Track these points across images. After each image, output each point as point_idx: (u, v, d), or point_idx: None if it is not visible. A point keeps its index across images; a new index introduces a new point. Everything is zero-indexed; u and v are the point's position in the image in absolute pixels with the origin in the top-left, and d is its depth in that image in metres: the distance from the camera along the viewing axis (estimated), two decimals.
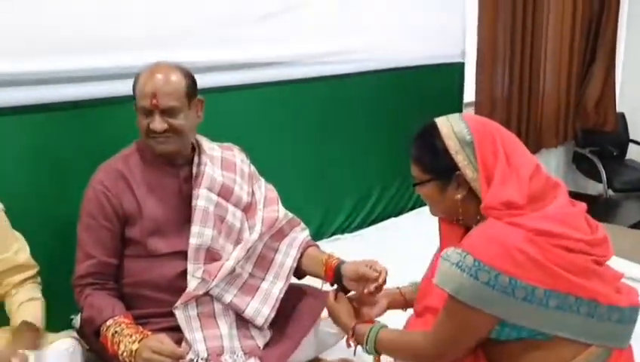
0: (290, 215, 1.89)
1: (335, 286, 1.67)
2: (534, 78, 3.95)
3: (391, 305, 1.65)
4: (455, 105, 3.44)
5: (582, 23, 4.21)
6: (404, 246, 2.50)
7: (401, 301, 1.67)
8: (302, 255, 1.82)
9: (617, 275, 1.35)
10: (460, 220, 1.42)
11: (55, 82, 1.96)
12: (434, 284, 1.32)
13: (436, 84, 3.29)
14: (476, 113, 3.62)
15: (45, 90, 1.94)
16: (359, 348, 1.50)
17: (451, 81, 3.41)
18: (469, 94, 3.60)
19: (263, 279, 1.75)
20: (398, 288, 1.69)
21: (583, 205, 1.38)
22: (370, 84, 2.98)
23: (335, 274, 1.69)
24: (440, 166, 1.37)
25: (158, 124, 1.61)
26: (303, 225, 1.92)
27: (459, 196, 1.36)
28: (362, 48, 2.88)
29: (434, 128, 1.40)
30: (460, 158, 1.34)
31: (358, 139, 2.97)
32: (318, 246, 1.88)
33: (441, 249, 1.49)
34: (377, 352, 1.47)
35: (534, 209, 1.29)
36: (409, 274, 2.16)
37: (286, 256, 1.80)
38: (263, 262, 1.77)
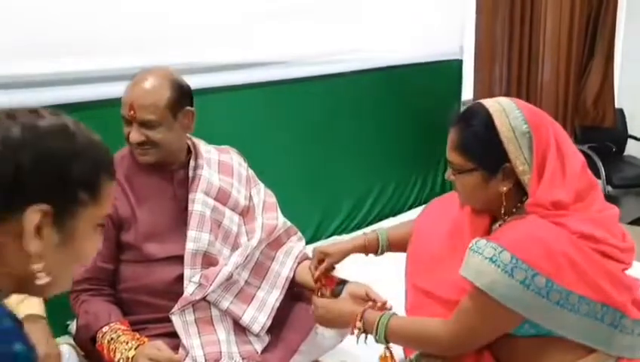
0: (289, 223, 1.87)
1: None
2: (532, 75, 3.94)
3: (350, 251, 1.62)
4: (454, 102, 3.43)
5: (580, 19, 4.20)
6: None
7: (362, 246, 1.63)
8: (297, 266, 1.80)
9: (637, 283, 1.31)
10: (490, 211, 1.36)
11: (49, 85, 1.95)
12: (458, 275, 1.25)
13: (435, 82, 3.28)
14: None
15: (39, 92, 1.93)
16: (362, 338, 1.43)
17: (450, 78, 3.40)
18: (467, 91, 3.59)
19: (259, 287, 1.73)
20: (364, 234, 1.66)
21: (616, 209, 1.34)
22: (369, 83, 2.97)
23: (335, 289, 1.66)
24: (489, 155, 1.28)
25: (134, 135, 1.59)
26: (299, 234, 1.90)
27: (504, 189, 1.28)
28: (360, 47, 2.87)
29: (484, 111, 1.29)
30: (512, 149, 1.26)
31: (356, 138, 2.96)
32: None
33: (461, 237, 1.40)
34: (387, 341, 1.40)
35: (578, 208, 1.24)
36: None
37: (282, 266, 1.79)
38: (259, 270, 1.75)
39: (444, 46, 3.31)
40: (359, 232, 2.38)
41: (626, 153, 4.55)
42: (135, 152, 1.63)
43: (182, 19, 2.26)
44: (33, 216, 0.79)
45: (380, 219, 3.06)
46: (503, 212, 1.31)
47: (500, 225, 1.33)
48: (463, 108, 1.36)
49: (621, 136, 4.52)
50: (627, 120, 4.56)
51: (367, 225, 2.99)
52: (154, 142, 1.60)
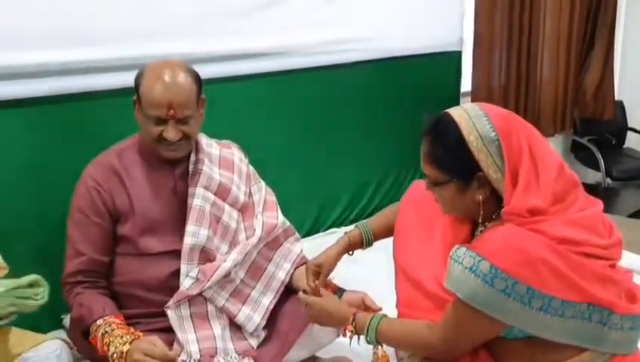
0: (287, 223, 1.86)
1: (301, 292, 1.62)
2: (532, 67, 3.92)
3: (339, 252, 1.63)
4: (453, 94, 3.41)
5: (580, 11, 4.18)
6: None
7: (347, 245, 1.64)
8: (294, 271, 1.79)
9: (628, 275, 1.32)
10: (471, 218, 1.36)
11: (41, 76, 1.92)
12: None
13: (433, 74, 3.26)
14: (473, 102, 3.58)
15: (34, 83, 1.90)
16: (354, 339, 1.45)
17: (449, 69, 3.37)
18: (466, 83, 3.57)
19: (253, 288, 1.72)
20: (346, 233, 1.66)
21: (600, 204, 1.33)
22: (367, 75, 2.95)
23: None
24: (461, 165, 1.27)
25: (173, 133, 1.57)
26: (297, 235, 1.89)
27: (481, 197, 1.28)
28: (358, 38, 2.84)
29: (451, 122, 1.28)
30: (483, 158, 1.25)
31: (354, 130, 2.94)
32: None
33: (445, 243, 1.41)
34: (378, 342, 1.42)
35: (557, 211, 1.23)
36: None
37: (279, 269, 1.78)
38: (255, 270, 1.74)
39: (443, 37, 3.28)
40: (351, 227, 2.38)
41: (625, 145, 4.54)
42: (164, 149, 1.61)
43: (181, 8, 2.24)
44: None
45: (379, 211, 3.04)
46: (480, 220, 1.32)
47: (481, 231, 1.33)
48: (430, 119, 1.34)
49: (621, 128, 4.50)
50: (627, 112, 4.54)
51: (365, 217, 2.96)
52: (188, 137, 1.61)
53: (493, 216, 1.30)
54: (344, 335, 1.48)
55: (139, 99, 1.60)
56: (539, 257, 1.17)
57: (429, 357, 1.37)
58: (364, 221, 1.71)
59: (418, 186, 1.59)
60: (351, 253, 1.66)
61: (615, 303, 1.22)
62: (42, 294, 1.46)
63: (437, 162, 1.30)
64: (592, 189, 4.18)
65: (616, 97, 4.50)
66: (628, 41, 4.58)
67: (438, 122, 1.31)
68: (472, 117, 1.27)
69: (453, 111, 1.30)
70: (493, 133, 1.25)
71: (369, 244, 1.67)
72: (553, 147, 4.70)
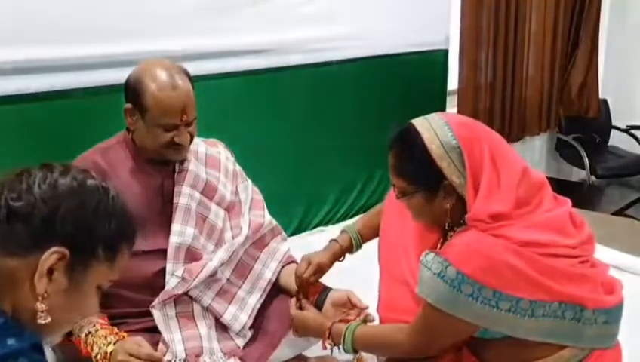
0: (274, 222, 1.85)
1: (294, 298, 1.63)
2: (518, 65, 3.94)
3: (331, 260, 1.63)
4: (439, 92, 3.41)
5: (565, 9, 4.21)
6: None
7: (339, 252, 1.65)
8: (281, 269, 1.79)
9: (603, 269, 1.33)
10: (441, 225, 1.37)
11: (32, 72, 1.89)
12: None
13: (420, 72, 3.26)
14: (459, 101, 3.60)
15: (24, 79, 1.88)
16: (336, 348, 1.47)
17: (435, 68, 3.38)
18: (453, 81, 3.57)
19: (240, 287, 1.71)
20: (335, 240, 1.67)
21: (568, 202, 1.35)
22: (353, 73, 2.94)
23: (318, 298, 1.65)
24: (426, 175, 1.29)
25: (184, 137, 1.57)
26: (283, 234, 1.89)
27: (448, 205, 1.30)
28: (344, 36, 2.84)
29: (414, 133, 1.31)
30: (445, 165, 1.27)
31: (342, 128, 2.94)
32: (297, 263, 1.81)
33: (416, 247, 1.44)
34: (355, 351, 1.45)
35: (520, 215, 1.25)
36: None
37: (265, 268, 1.77)
38: (241, 269, 1.73)
39: (429, 35, 3.29)
40: (338, 226, 2.37)
41: (610, 143, 4.58)
42: (174, 153, 1.61)
43: (166, 5, 2.22)
44: (51, 257, 0.86)
45: (366, 210, 3.03)
46: (447, 227, 1.34)
47: (450, 237, 1.35)
48: (394, 131, 1.37)
49: (605, 126, 4.54)
50: (611, 110, 4.58)
51: (352, 216, 2.96)
52: (193, 137, 1.62)
53: (461, 222, 1.31)
54: (324, 347, 1.51)
55: (138, 108, 1.56)
56: (502, 261, 1.19)
57: (405, 360, 1.39)
58: (351, 223, 1.71)
59: None
60: (342, 259, 1.67)
61: (586, 298, 1.24)
62: None
63: (403, 173, 1.33)
64: (576, 187, 4.22)
65: (601, 95, 4.54)
66: (612, 39, 4.61)
67: (401, 134, 1.34)
68: (433, 126, 1.30)
69: (416, 122, 1.33)
70: (454, 141, 1.27)
71: (359, 247, 1.67)
72: (539, 145, 4.73)
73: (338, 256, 1.65)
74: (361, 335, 1.43)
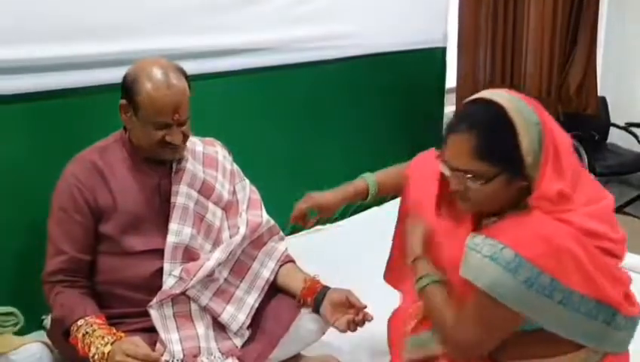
0: (272, 222, 1.85)
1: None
2: (516, 62, 3.94)
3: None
4: (438, 90, 3.41)
5: (563, 6, 4.20)
6: (387, 236, 2.46)
7: (352, 194, 1.63)
8: (279, 269, 1.78)
9: (628, 277, 1.29)
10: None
11: (20, 72, 1.88)
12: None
13: (418, 70, 3.26)
14: (457, 99, 3.60)
15: (13, 80, 1.86)
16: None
17: (433, 66, 3.38)
18: (451, 79, 3.57)
19: (238, 287, 1.71)
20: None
21: (611, 197, 1.31)
22: (351, 71, 2.94)
23: (317, 297, 1.66)
24: (513, 157, 1.19)
25: (177, 137, 1.57)
26: (281, 233, 1.88)
27: (524, 184, 1.20)
28: (343, 34, 2.84)
29: (500, 111, 1.21)
30: (526, 143, 1.18)
31: (339, 127, 2.94)
32: (295, 262, 1.84)
33: (443, 234, 1.37)
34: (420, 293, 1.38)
35: (578, 199, 1.20)
36: None
37: (263, 267, 1.76)
38: (239, 269, 1.73)
39: (427, 33, 3.29)
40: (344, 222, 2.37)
41: (608, 141, 4.57)
42: (167, 152, 1.61)
43: (164, 3, 2.21)
44: None
45: (364, 209, 3.04)
46: (503, 209, 1.25)
47: (494, 221, 1.28)
48: (474, 110, 1.26)
49: (604, 124, 4.54)
50: (610, 108, 4.57)
51: (350, 215, 2.96)
52: (187, 137, 1.61)
53: (520, 205, 1.24)
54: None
55: (133, 105, 1.56)
56: (565, 248, 1.14)
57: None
58: (371, 174, 1.67)
59: (425, 160, 1.58)
60: (355, 202, 1.62)
61: (621, 304, 1.21)
62: (11, 323, 1.44)
63: (488, 155, 1.21)
64: None
65: (599, 93, 4.53)
66: (611, 37, 4.61)
67: (488, 113, 1.23)
68: (513, 101, 1.22)
69: (494, 98, 1.24)
70: (535, 117, 1.21)
71: (373, 197, 1.62)
72: None
73: (349, 198, 1.61)
74: (429, 293, 1.35)
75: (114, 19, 2.07)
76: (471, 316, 1.23)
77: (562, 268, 1.14)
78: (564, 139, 1.25)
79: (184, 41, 2.26)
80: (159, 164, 1.66)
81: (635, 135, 4.37)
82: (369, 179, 1.62)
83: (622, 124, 4.46)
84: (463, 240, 1.26)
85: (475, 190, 1.24)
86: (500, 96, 1.24)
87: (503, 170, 1.21)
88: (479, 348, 1.27)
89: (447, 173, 1.28)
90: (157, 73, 1.54)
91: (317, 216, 1.62)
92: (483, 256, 1.16)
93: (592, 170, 4.14)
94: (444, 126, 1.32)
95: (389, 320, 1.58)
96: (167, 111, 1.53)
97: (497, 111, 1.21)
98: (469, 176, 1.23)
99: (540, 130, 1.20)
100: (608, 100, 4.57)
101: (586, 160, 4.11)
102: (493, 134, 1.21)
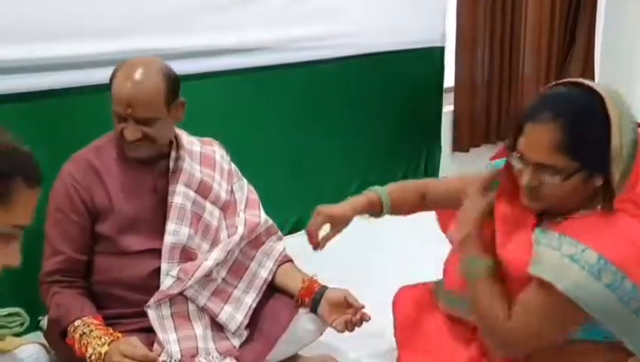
0: (270, 221, 1.84)
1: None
2: (514, 62, 3.94)
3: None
4: (436, 90, 3.41)
5: (561, 6, 4.20)
6: (384, 236, 2.46)
7: (366, 206, 1.52)
8: (277, 269, 1.78)
9: None
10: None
11: (25, 71, 1.87)
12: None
13: (416, 69, 3.26)
14: (456, 98, 3.60)
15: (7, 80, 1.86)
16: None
17: (431, 65, 3.37)
18: (449, 79, 3.57)
19: (236, 287, 1.70)
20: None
21: None
22: (349, 71, 2.94)
23: (315, 297, 1.65)
24: (600, 153, 1.11)
25: (130, 133, 1.54)
26: (279, 233, 1.88)
27: (601, 182, 1.12)
28: (341, 33, 2.83)
29: (599, 103, 1.10)
30: (618, 141, 1.09)
31: (337, 127, 2.93)
32: (293, 262, 1.83)
33: (497, 233, 1.25)
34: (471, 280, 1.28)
35: None
36: (390, 264, 2.14)
37: (261, 267, 1.76)
38: (237, 269, 1.72)
39: (425, 33, 3.28)
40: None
41: None
42: (127, 147, 1.59)
43: (162, 4, 2.21)
44: None
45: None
46: (574, 208, 1.18)
47: (558, 222, 1.19)
48: (546, 95, 1.16)
49: None
50: None
51: None
52: (151, 138, 1.56)
53: (594, 204, 1.17)
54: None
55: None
56: None
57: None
58: (383, 188, 1.56)
59: None
60: (366, 216, 1.52)
61: None
62: (18, 323, 1.43)
63: (574, 149, 1.11)
64: None
65: None
66: (608, 36, 4.62)
67: (578, 100, 1.12)
68: (612, 94, 1.12)
69: (594, 86, 1.13)
70: (632, 115, 1.13)
71: (388, 210, 1.52)
72: None
73: (362, 208, 1.50)
74: (478, 282, 1.24)
75: (110, 19, 2.06)
76: (536, 311, 1.15)
77: None
78: None
79: (181, 40, 2.25)
80: (155, 163, 1.65)
81: None
82: (381, 192, 1.52)
83: None
84: (521, 241, 1.19)
85: (552, 186, 1.14)
86: (594, 83, 1.14)
87: (584, 166, 1.12)
88: (538, 343, 1.19)
89: (519, 166, 1.18)
90: (129, 66, 1.54)
91: (332, 234, 1.53)
92: (562, 256, 1.09)
93: None
94: (523, 112, 1.20)
95: (395, 300, 1.55)
96: (121, 102, 1.52)
97: (591, 100, 1.11)
98: (545, 171, 1.13)
99: (635, 129, 1.11)
100: None
101: None
102: (584, 126, 1.11)
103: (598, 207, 1.17)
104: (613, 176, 1.11)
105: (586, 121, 1.11)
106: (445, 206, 1.54)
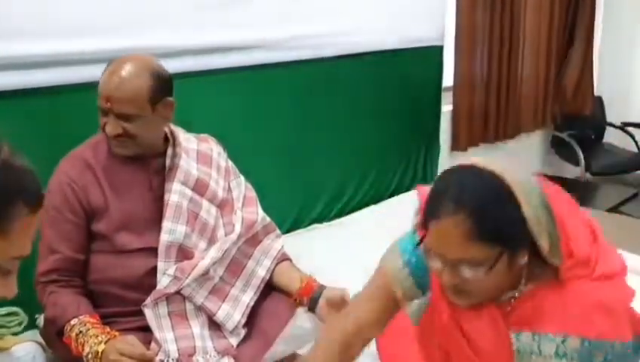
0: (268, 219, 1.83)
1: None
2: (513, 62, 3.94)
3: None
4: (434, 89, 3.40)
5: (560, 6, 4.21)
6: (383, 234, 2.46)
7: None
8: (274, 267, 1.77)
9: None
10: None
11: (20, 68, 1.86)
12: None
13: (415, 68, 3.25)
14: (454, 97, 3.59)
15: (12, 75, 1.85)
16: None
17: (430, 64, 3.37)
18: (448, 78, 3.56)
19: (233, 285, 1.69)
20: None
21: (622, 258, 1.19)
22: (348, 69, 2.93)
23: (313, 296, 1.65)
24: (518, 233, 1.04)
25: (110, 127, 1.53)
26: (277, 231, 1.86)
27: (526, 258, 1.06)
28: (340, 32, 2.82)
29: (502, 186, 1.03)
30: (531, 212, 1.03)
31: (336, 125, 2.92)
32: (291, 261, 1.83)
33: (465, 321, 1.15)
34: None
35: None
36: None
37: (259, 265, 1.75)
38: (234, 267, 1.71)
39: (425, 32, 3.27)
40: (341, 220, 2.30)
41: (604, 140, 4.59)
42: (111, 144, 1.58)
43: (158, 2, 2.19)
44: None
45: (361, 207, 3.03)
46: (522, 283, 1.11)
47: (510, 297, 1.13)
48: (440, 185, 1.07)
49: (600, 123, 4.55)
50: (606, 107, 4.58)
51: (347, 213, 2.96)
52: (131, 135, 1.55)
53: (521, 287, 1.11)
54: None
55: None
56: (623, 307, 1.05)
57: None
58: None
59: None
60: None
61: None
62: (16, 322, 1.42)
63: (488, 235, 1.03)
64: (571, 184, 4.22)
65: (595, 93, 4.55)
66: (606, 37, 4.62)
67: (477, 184, 1.05)
68: (506, 166, 1.07)
69: (486, 165, 1.06)
70: (533, 181, 1.08)
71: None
72: (534, 142, 4.74)
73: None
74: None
75: (105, 16, 2.05)
76: None
77: (630, 327, 1.05)
78: (562, 195, 1.14)
79: (177, 38, 2.24)
80: (151, 161, 1.64)
81: (630, 135, 4.38)
82: None
83: (618, 124, 4.48)
84: (488, 321, 1.13)
85: (477, 281, 1.05)
86: (478, 160, 1.08)
87: (506, 247, 1.04)
88: None
89: (436, 265, 1.08)
90: (118, 62, 1.54)
91: None
92: (546, 358, 1.05)
93: (588, 169, 4.16)
94: (419, 209, 1.13)
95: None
96: (102, 95, 1.52)
97: (486, 179, 1.04)
98: (467, 264, 1.04)
99: (541, 194, 1.05)
100: (604, 100, 4.59)
101: (582, 159, 4.12)
102: (490, 207, 1.03)
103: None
104: (542, 248, 1.04)
105: (490, 202, 1.03)
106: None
